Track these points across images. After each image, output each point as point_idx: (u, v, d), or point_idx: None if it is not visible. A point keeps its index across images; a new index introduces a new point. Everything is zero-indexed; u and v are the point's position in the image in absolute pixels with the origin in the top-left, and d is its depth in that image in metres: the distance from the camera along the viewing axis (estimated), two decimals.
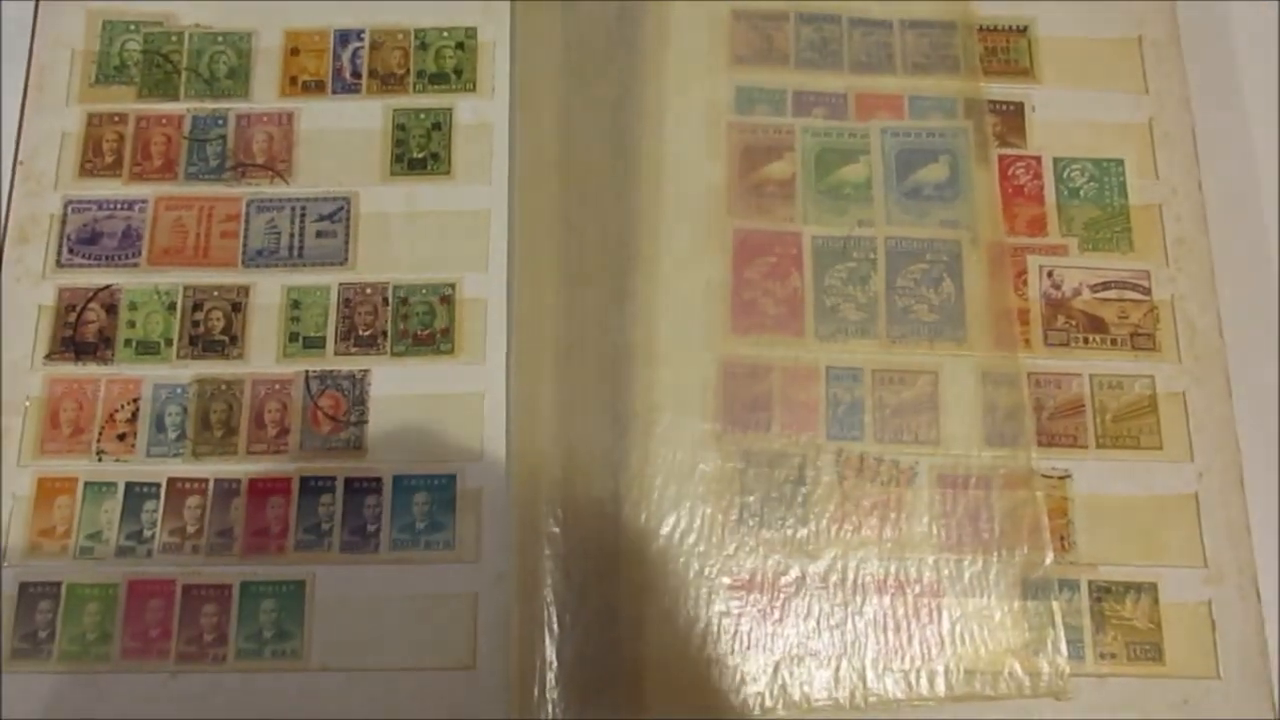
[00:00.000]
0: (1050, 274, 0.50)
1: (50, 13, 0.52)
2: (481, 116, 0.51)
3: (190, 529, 0.47)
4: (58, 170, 0.50)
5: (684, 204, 0.50)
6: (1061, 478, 0.47)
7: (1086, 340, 0.49)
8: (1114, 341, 0.49)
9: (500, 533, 0.47)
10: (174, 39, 0.52)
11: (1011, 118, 0.52)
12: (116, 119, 0.51)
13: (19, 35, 0.52)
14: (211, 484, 0.47)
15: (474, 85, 0.52)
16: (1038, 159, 0.51)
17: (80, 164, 0.51)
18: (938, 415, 0.48)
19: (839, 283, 0.49)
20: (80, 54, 0.52)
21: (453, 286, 0.49)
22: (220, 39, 0.52)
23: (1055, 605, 0.45)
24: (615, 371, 0.49)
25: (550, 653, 0.45)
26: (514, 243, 0.50)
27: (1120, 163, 0.51)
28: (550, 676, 0.45)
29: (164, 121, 0.51)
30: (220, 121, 0.51)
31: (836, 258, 0.50)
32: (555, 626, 0.46)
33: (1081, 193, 0.51)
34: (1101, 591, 0.46)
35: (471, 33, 0.52)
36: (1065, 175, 0.51)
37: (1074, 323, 0.49)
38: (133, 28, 0.52)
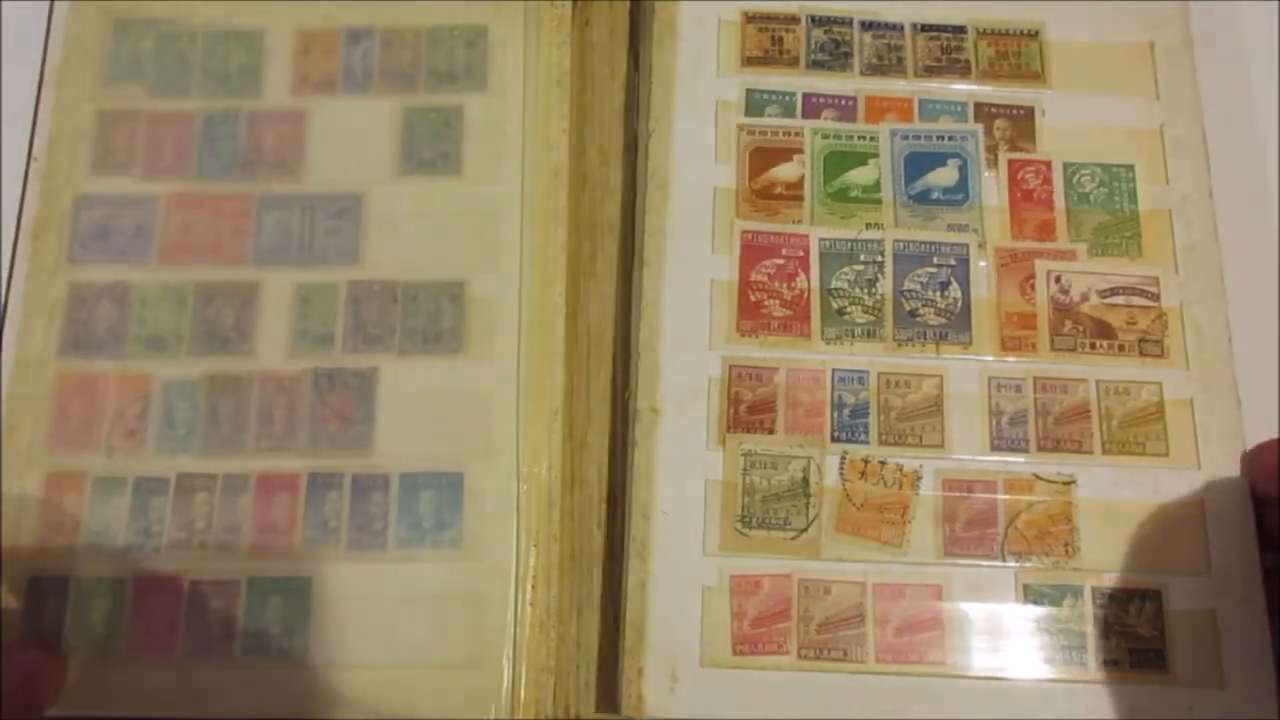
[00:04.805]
0: (1058, 279, 0.49)
1: (64, 11, 0.52)
2: (492, 115, 0.51)
3: (198, 525, 0.47)
4: (70, 167, 0.51)
5: (692, 204, 0.50)
6: (1066, 483, 0.47)
7: (1093, 346, 0.49)
8: (1121, 347, 0.49)
9: (506, 532, 0.47)
10: (186, 38, 0.52)
11: (1022, 122, 0.51)
12: (129, 117, 0.51)
13: (34, 34, 0.52)
14: (220, 480, 0.47)
15: (484, 84, 0.52)
16: (1047, 163, 0.51)
17: (93, 161, 0.51)
18: (943, 419, 0.48)
19: (846, 285, 0.49)
20: (94, 53, 0.52)
21: (462, 285, 0.49)
22: (232, 38, 0.52)
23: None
24: (621, 371, 0.50)
25: (556, 652, 0.46)
26: (523, 242, 0.50)
27: (1130, 168, 0.51)
28: (555, 675, 0.46)
29: (176, 120, 0.51)
30: (232, 120, 0.52)
31: (844, 260, 0.49)
32: (562, 626, 0.46)
33: (1091, 198, 0.51)
34: (1105, 598, 0.46)
35: (482, 32, 0.52)
36: (1075, 180, 0.51)
37: (1081, 328, 0.49)
38: (145, 27, 0.52)
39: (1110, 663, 0.45)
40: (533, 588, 0.46)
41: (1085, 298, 0.49)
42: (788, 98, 0.51)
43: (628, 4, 0.54)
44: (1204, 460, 0.47)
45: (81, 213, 0.50)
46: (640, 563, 0.46)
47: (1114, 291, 0.49)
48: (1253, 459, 0.47)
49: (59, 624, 0.46)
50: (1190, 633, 0.45)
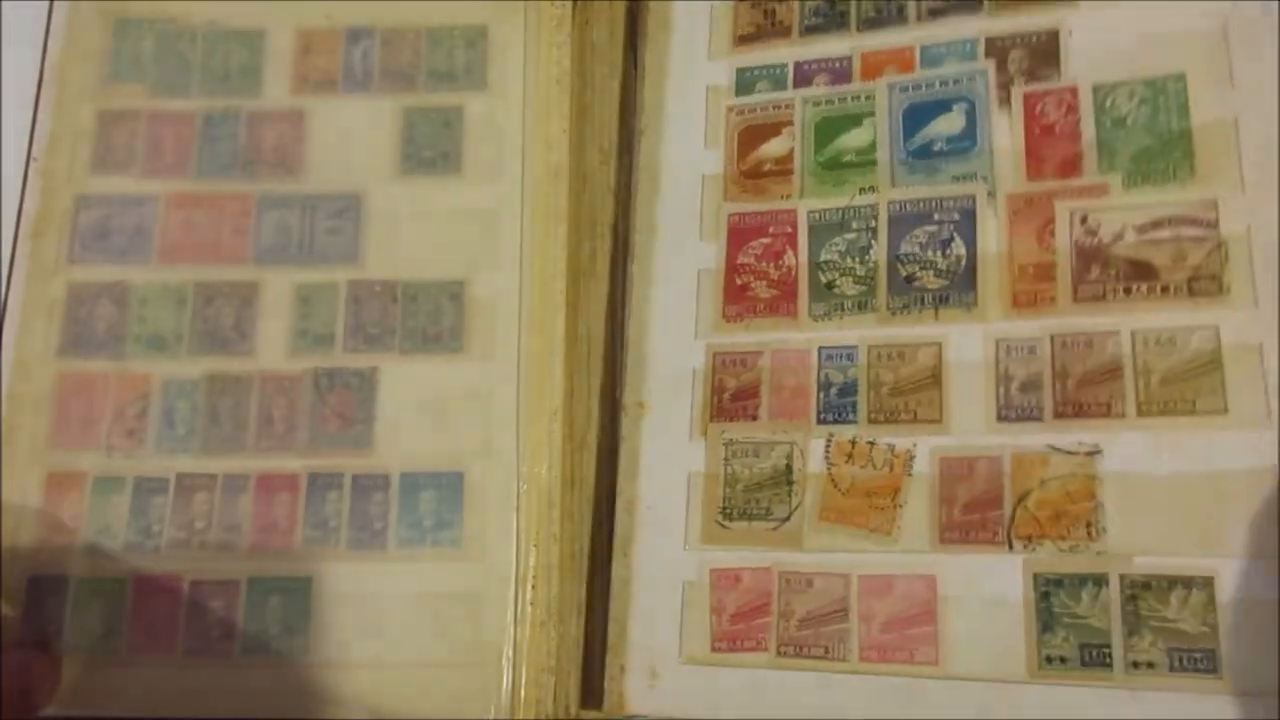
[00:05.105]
0: (1084, 219, 0.44)
1: (64, 11, 0.53)
2: (492, 115, 0.51)
3: (198, 525, 0.47)
4: (70, 167, 0.51)
5: (682, 196, 0.49)
6: (1089, 453, 0.42)
7: (1128, 291, 0.43)
8: (1164, 290, 0.42)
9: (506, 532, 0.46)
10: (186, 37, 0.53)
11: (1042, 48, 0.46)
12: (129, 116, 0.52)
13: (34, 34, 0.52)
14: (220, 480, 0.48)
15: (484, 84, 0.52)
16: (1073, 89, 0.45)
17: (93, 161, 0.51)
18: (941, 391, 0.44)
19: (836, 257, 0.47)
20: (94, 52, 0.52)
21: (462, 284, 0.49)
22: (232, 37, 0.53)
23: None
24: (614, 364, 0.49)
25: (556, 652, 0.45)
26: (523, 242, 0.50)
27: (1181, 77, 0.44)
28: (556, 675, 0.45)
29: (176, 119, 0.52)
30: (232, 120, 0.52)
31: (834, 231, 0.47)
32: (562, 626, 0.46)
33: (1129, 120, 0.45)
34: (1138, 587, 0.40)
35: (482, 32, 0.52)
36: (1108, 104, 0.45)
37: (1113, 272, 0.43)
38: (146, 26, 0.53)
39: (1143, 664, 0.40)
40: (533, 588, 0.46)
41: (1119, 237, 0.43)
42: (779, 70, 0.50)
43: (626, 4, 0.54)
44: (1278, 417, 0.40)
45: (81, 212, 0.50)
46: (624, 558, 0.46)
47: (1156, 225, 0.43)
48: None
49: (58, 624, 0.46)
50: (1249, 628, 0.39)
